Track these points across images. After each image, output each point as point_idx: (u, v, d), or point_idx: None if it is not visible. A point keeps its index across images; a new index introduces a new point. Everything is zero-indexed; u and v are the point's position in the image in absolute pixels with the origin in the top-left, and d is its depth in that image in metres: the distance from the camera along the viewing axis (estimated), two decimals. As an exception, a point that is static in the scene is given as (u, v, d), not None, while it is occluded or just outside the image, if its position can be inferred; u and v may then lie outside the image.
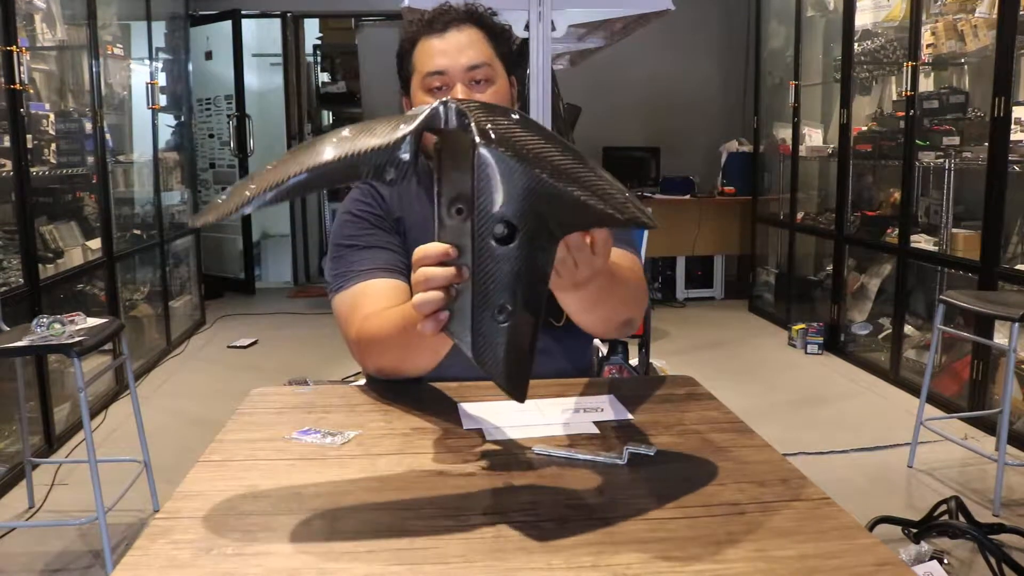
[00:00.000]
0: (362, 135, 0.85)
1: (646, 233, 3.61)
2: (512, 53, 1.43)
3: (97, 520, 2.26)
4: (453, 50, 1.33)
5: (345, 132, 0.87)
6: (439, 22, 1.35)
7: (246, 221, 6.45)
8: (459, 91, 1.32)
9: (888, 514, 2.44)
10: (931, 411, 3.34)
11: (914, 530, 2.37)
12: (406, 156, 0.84)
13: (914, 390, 3.73)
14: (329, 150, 0.84)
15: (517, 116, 0.89)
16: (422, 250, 0.91)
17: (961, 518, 2.35)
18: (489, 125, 0.84)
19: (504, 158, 0.82)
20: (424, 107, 0.87)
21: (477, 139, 0.82)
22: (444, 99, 0.87)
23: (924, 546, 2.23)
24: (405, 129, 0.84)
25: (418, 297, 0.89)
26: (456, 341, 0.89)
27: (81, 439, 3.17)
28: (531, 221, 0.83)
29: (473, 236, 0.83)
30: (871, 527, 2.36)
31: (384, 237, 1.38)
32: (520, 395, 0.89)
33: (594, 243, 0.94)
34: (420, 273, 0.90)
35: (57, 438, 3.16)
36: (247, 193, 0.83)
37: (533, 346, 0.88)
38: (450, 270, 0.88)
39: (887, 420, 3.52)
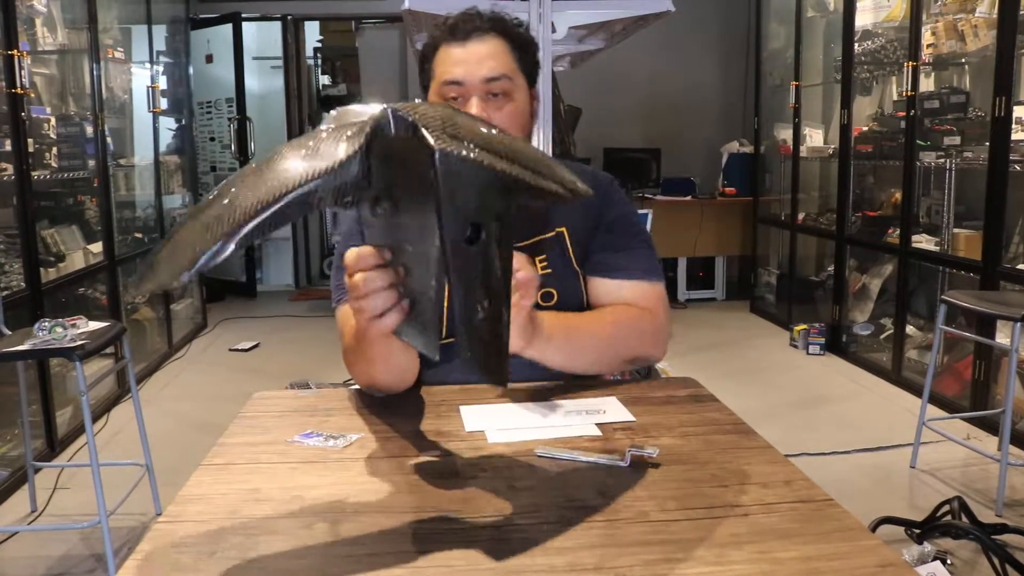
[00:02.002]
0: (303, 158, 0.78)
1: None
2: (536, 66, 1.39)
3: (99, 524, 2.26)
4: (473, 60, 1.29)
5: (282, 157, 0.78)
6: (462, 30, 1.31)
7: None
8: (474, 104, 1.28)
9: (891, 515, 2.44)
10: (933, 411, 3.33)
11: (917, 531, 2.37)
12: (357, 174, 0.78)
13: (916, 390, 3.72)
14: (272, 183, 0.74)
15: (449, 109, 0.85)
16: (354, 253, 0.87)
17: (964, 518, 2.34)
18: (440, 125, 0.79)
19: (463, 158, 0.78)
20: (363, 117, 0.81)
21: (434, 142, 0.77)
22: (387, 105, 0.81)
23: (927, 547, 2.22)
24: (351, 147, 0.78)
25: (358, 303, 0.87)
26: (414, 344, 0.89)
27: (83, 443, 3.17)
28: (493, 214, 0.81)
29: (443, 242, 0.79)
30: (874, 528, 2.35)
31: None
32: (502, 380, 0.87)
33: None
34: (357, 278, 0.87)
35: (59, 442, 3.16)
36: (186, 257, 0.73)
37: (508, 327, 0.86)
38: (387, 272, 0.87)
39: (889, 420, 3.52)
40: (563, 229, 1.37)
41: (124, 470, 2.80)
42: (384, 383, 1.21)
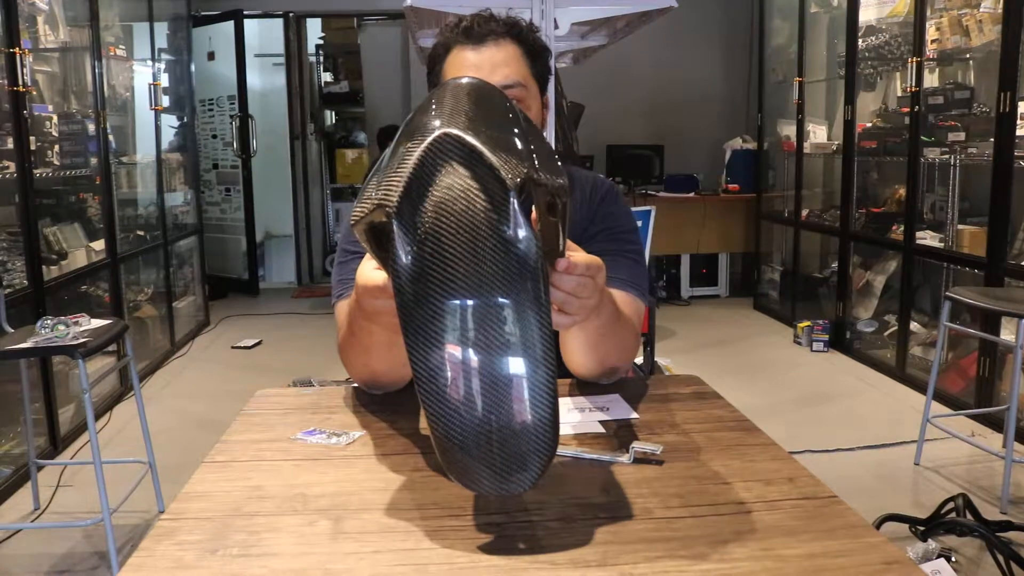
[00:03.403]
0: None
1: (650, 233, 3.61)
2: (548, 73, 1.37)
3: (102, 521, 2.26)
4: (487, 66, 1.27)
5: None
6: (476, 33, 1.28)
7: (249, 221, 6.46)
8: None
9: (895, 512, 2.44)
10: (938, 408, 3.33)
11: (921, 528, 2.37)
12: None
13: (920, 387, 3.72)
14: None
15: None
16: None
17: (969, 516, 2.34)
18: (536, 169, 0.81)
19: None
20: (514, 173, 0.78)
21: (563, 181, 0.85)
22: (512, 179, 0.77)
23: (932, 544, 2.22)
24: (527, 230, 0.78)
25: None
26: None
27: (86, 440, 3.17)
28: None
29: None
30: (878, 525, 2.35)
31: None
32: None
33: (572, 267, 0.91)
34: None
35: (62, 439, 3.17)
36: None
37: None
38: None
39: (893, 417, 3.52)
40: None
41: (127, 468, 2.80)
42: (382, 373, 1.19)
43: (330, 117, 8.17)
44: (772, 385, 4.06)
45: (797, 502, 0.88)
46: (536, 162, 0.81)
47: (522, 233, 0.76)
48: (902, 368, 4.02)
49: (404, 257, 0.77)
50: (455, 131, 0.78)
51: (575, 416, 1.14)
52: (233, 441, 1.08)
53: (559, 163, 0.90)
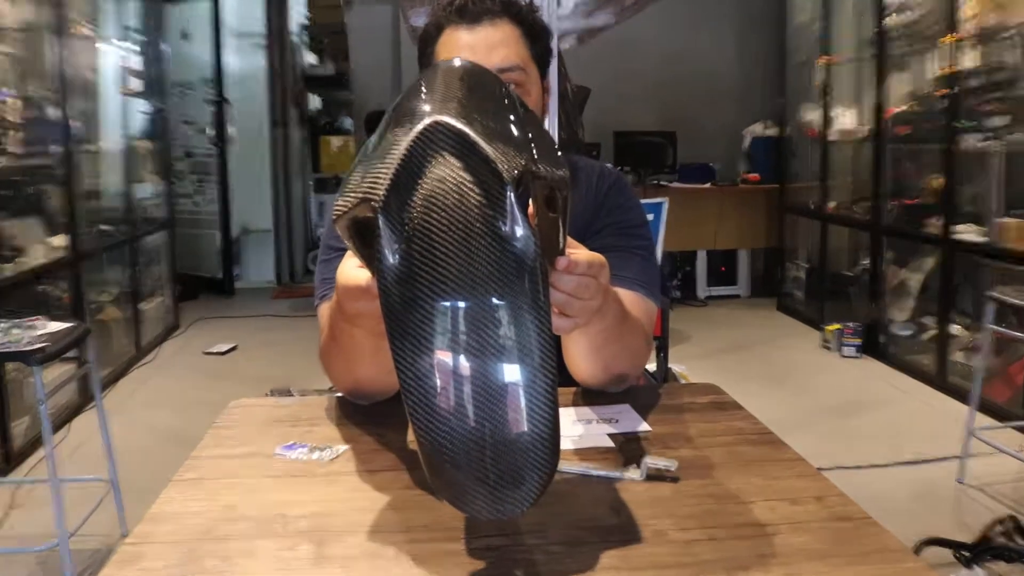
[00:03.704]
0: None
1: (663, 228, 3.61)
2: (549, 55, 1.39)
3: (59, 546, 2.25)
4: (482, 47, 1.29)
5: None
6: (471, 12, 1.31)
7: (224, 214, 6.46)
8: None
9: (937, 535, 2.43)
10: (983, 420, 3.32)
11: (966, 553, 2.36)
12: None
13: (963, 396, 3.71)
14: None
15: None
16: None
17: (1019, 539, 2.33)
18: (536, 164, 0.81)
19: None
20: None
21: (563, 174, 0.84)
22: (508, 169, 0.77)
23: (978, 571, 2.22)
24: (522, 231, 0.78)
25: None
26: None
27: (41, 456, 3.17)
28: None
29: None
30: (918, 549, 2.35)
31: None
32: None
33: (572, 266, 0.90)
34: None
35: (15, 455, 3.17)
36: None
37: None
38: None
39: (933, 430, 3.51)
40: None
41: (87, 486, 2.80)
42: (367, 381, 1.19)
43: (314, 101, 8.18)
44: (798, 394, 4.06)
45: (826, 524, 0.87)
46: (535, 153, 0.81)
47: (519, 230, 0.76)
48: (942, 376, 4.02)
49: (390, 256, 0.77)
50: (447, 119, 0.78)
51: (580, 428, 1.14)
52: (204, 457, 1.08)
53: (559, 154, 0.90)
